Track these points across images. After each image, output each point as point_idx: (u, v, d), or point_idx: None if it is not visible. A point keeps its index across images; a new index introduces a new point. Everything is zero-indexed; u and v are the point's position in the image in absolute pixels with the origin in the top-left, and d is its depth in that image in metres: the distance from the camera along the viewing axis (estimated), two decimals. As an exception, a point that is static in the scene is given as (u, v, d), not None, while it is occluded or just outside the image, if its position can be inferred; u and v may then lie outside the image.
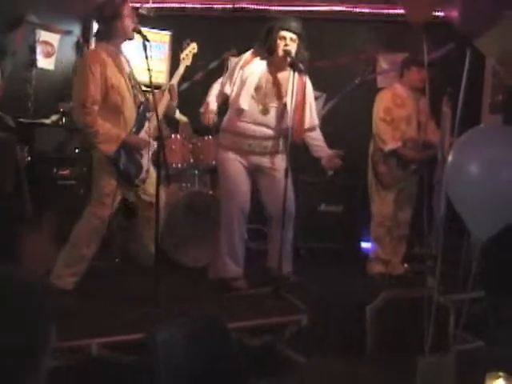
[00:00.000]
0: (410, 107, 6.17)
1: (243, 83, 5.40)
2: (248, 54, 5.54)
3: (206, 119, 5.50)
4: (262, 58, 5.47)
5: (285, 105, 5.41)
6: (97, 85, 4.66)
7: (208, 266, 5.74)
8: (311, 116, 5.64)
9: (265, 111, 5.44)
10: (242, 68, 5.46)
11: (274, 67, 5.48)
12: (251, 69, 5.44)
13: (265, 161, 5.51)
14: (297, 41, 5.36)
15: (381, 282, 6.02)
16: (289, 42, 5.34)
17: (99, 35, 4.88)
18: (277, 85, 5.46)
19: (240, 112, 5.41)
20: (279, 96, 5.45)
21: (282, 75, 5.46)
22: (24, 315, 1.44)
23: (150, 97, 4.87)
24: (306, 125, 5.57)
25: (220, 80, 5.65)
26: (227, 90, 5.50)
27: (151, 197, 4.90)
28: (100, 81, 4.67)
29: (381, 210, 6.25)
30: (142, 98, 5.00)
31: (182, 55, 5.51)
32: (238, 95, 5.40)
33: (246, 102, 5.37)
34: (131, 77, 4.96)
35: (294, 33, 5.35)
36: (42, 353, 1.47)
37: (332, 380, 4.31)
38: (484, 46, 3.70)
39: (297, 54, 5.35)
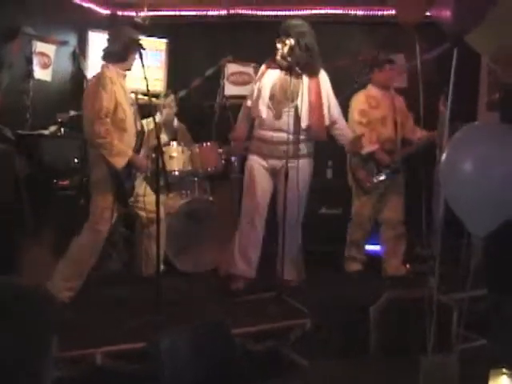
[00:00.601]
0: (384, 107, 6.24)
1: (259, 93, 5.58)
2: (263, 67, 5.76)
3: (233, 147, 6.02)
4: (274, 68, 5.62)
5: (296, 108, 5.47)
6: (109, 98, 4.83)
7: (217, 267, 5.86)
8: (330, 112, 5.71)
9: (278, 117, 5.54)
10: (258, 80, 5.68)
11: (285, 74, 5.56)
12: (265, 79, 5.62)
13: (282, 164, 5.50)
14: (288, 42, 5.45)
15: (387, 282, 6.05)
16: (280, 46, 5.47)
17: (110, 57, 5.05)
18: (289, 90, 5.50)
19: (260, 120, 5.62)
20: (292, 101, 5.48)
21: (294, 80, 5.48)
22: (25, 324, 1.44)
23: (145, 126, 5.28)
24: (327, 121, 5.66)
25: (245, 102, 5.87)
26: (248, 103, 5.73)
27: (151, 213, 5.01)
28: (110, 96, 4.84)
29: (359, 214, 6.35)
30: (139, 127, 5.21)
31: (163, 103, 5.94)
32: (256, 105, 5.59)
33: (263, 111, 5.55)
34: (132, 103, 5.14)
35: (283, 35, 5.45)
36: (45, 361, 1.47)
37: (336, 382, 4.32)
38: (475, 42, 3.72)
39: (289, 55, 5.42)
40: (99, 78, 4.95)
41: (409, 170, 6.27)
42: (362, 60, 7.71)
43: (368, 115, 6.18)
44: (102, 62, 5.11)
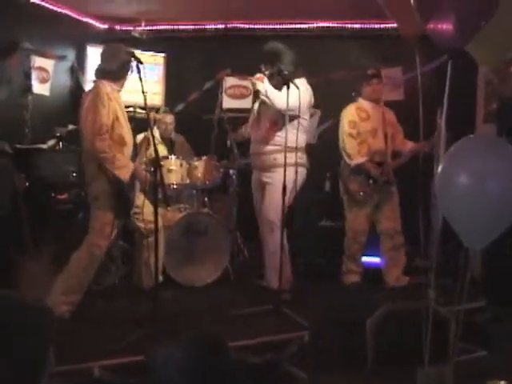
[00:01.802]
0: (374, 120, 6.28)
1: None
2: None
3: (241, 132, 6.19)
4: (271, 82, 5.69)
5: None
6: (107, 115, 4.88)
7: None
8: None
9: (258, 131, 5.78)
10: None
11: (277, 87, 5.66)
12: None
13: (262, 175, 5.79)
14: (266, 69, 5.62)
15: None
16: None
17: (105, 75, 5.07)
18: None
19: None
20: (273, 114, 5.56)
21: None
22: (23, 337, 1.44)
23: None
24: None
25: None
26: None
27: (150, 224, 5.05)
28: (109, 112, 4.89)
29: (353, 226, 6.35)
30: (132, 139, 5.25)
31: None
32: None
33: (252, 128, 5.85)
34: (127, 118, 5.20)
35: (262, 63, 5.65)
36: (42, 374, 1.48)
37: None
38: (476, 53, 3.74)
39: (279, 72, 5.51)
40: (97, 94, 4.96)
41: (402, 181, 6.29)
42: (358, 74, 7.77)
43: (358, 127, 6.24)
44: (97, 79, 5.12)
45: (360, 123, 6.26)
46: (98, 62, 5.21)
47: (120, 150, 4.98)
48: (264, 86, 5.52)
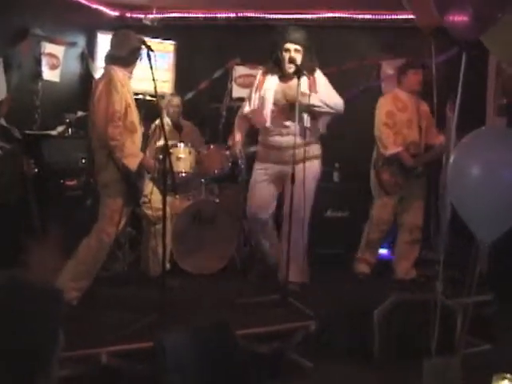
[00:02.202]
0: (411, 111, 6.21)
1: (262, 102, 5.64)
2: (259, 75, 5.79)
3: (234, 152, 5.95)
4: (273, 74, 5.68)
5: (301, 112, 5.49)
6: (121, 102, 4.88)
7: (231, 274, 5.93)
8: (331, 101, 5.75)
9: (283, 125, 5.63)
10: (257, 89, 5.71)
11: (285, 79, 5.64)
12: (266, 87, 5.66)
13: (291, 168, 5.42)
14: (302, 51, 5.49)
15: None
16: (293, 53, 5.51)
17: (116, 61, 5.06)
18: (289, 95, 5.54)
19: (268, 128, 5.69)
20: (290, 108, 5.52)
21: (293, 84, 5.51)
22: (33, 318, 1.45)
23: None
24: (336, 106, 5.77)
25: (242, 111, 5.90)
26: (247, 111, 5.80)
27: (158, 211, 5.06)
28: (121, 99, 4.89)
29: (379, 216, 6.31)
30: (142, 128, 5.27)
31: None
32: (260, 114, 5.66)
33: (268, 120, 5.62)
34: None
35: (298, 44, 5.48)
36: (51, 355, 1.48)
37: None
38: (492, 44, 3.73)
39: (302, 63, 5.46)
40: (110, 80, 4.95)
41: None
42: (369, 64, 7.75)
43: (394, 117, 6.17)
44: (107, 65, 5.12)
45: (397, 113, 6.19)
46: (108, 48, 5.20)
47: (131, 136, 4.97)
48: (318, 97, 5.54)
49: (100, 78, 5.19)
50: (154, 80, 4.66)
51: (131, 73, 5.14)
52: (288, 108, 5.56)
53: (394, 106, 6.21)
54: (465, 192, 3.41)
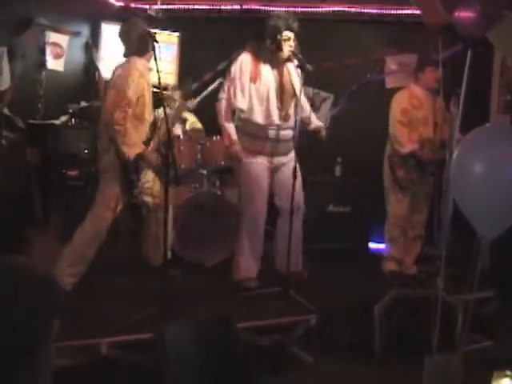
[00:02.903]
0: (426, 108, 6.15)
1: (264, 99, 5.43)
2: (249, 62, 5.47)
3: (234, 154, 5.53)
4: (266, 62, 5.47)
5: (297, 100, 5.42)
6: (134, 90, 4.91)
7: (231, 268, 5.69)
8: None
9: (286, 116, 5.51)
10: (253, 81, 5.43)
11: (278, 67, 5.51)
12: (265, 81, 5.45)
13: (285, 158, 5.55)
14: (295, 39, 5.41)
15: (393, 279, 6.04)
16: (292, 42, 5.38)
17: (132, 50, 5.08)
18: (287, 86, 5.50)
19: (269, 122, 5.47)
20: (291, 95, 5.49)
21: (285, 74, 5.50)
22: (29, 302, 1.44)
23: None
24: (306, 113, 5.66)
25: (223, 97, 5.56)
26: (242, 105, 5.44)
27: (159, 198, 5.07)
28: (137, 88, 4.92)
29: (396, 211, 6.25)
30: (152, 118, 5.24)
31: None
32: (267, 111, 5.43)
33: (276, 115, 5.45)
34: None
35: (296, 33, 5.39)
36: (47, 342, 1.48)
37: (339, 379, 4.33)
38: (498, 41, 3.72)
39: (295, 50, 5.38)
40: (129, 69, 4.99)
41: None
42: (373, 59, 7.73)
43: (409, 115, 6.09)
44: (127, 57, 5.13)
45: (412, 111, 6.12)
46: (120, 43, 5.20)
47: (136, 126, 4.99)
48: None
49: (119, 66, 5.18)
50: (157, 71, 4.66)
51: (150, 60, 5.08)
52: (289, 99, 5.51)
53: (410, 103, 6.14)
54: (467, 189, 3.41)
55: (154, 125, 5.24)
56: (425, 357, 3.54)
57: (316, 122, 5.76)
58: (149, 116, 5.16)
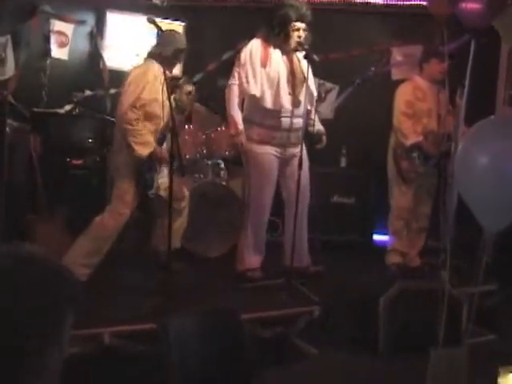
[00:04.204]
0: (430, 100, 6.11)
1: (275, 83, 5.35)
2: (259, 47, 5.40)
3: (239, 144, 5.44)
4: (275, 47, 5.40)
5: (308, 88, 5.38)
6: (148, 92, 4.97)
7: (235, 259, 5.66)
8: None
9: (297, 102, 5.41)
10: (263, 66, 5.35)
11: (288, 55, 5.46)
12: (275, 66, 5.37)
13: (295, 150, 5.44)
14: (306, 29, 5.35)
15: (397, 272, 6.03)
16: (302, 32, 5.31)
17: (159, 58, 5.09)
18: (297, 72, 5.46)
19: (279, 109, 5.38)
20: (302, 82, 5.43)
21: (295, 60, 5.46)
22: (37, 295, 1.42)
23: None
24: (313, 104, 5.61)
25: (234, 83, 5.45)
26: (255, 91, 5.33)
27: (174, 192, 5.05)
28: (151, 90, 4.97)
29: (400, 204, 6.23)
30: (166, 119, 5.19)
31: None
32: (277, 96, 5.35)
33: (286, 101, 5.37)
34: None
35: (308, 24, 5.33)
36: (59, 333, 1.47)
37: (343, 370, 4.32)
38: (502, 30, 3.70)
39: (306, 40, 5.33)
40: (145, 71, 5.06)
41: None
42: (379, 50, 7.69)
43: (414, 107, 6.05)
44: (147, 58, 5.20)
45: (416, 103, 6.08)
46: (154, 43, 5.28)
47: (149, 126, 5.05)
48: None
49: (136, 67, 5.27)
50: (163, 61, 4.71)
51: (171, 72, 5.21)
52: (299, 85, 5.43)
53: (414, 95, 6.09)
54: (472, 181, 3.39)
55: (168, 126, 5.23)
56: (430, 350, 3.52)
57: (319, 125, 5.66)
58: (163, 116, 5.10)
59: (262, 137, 5.46)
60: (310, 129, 5.55)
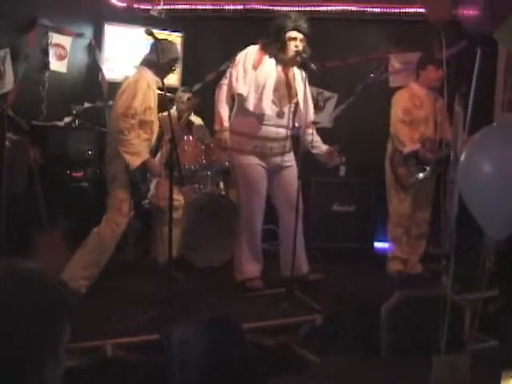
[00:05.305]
0: (427, 107, 6.12)
1: (260, 87, 5.37)
2: (255, 51, 5.47)
3: (223, 140, 5.45)
4: (271, 56, 5.44)
5: (297, 104, 5.44)
6: (141, 101, 4.97)
7: (233, 269, 5.66)
8: (311, 111, 5.70)
9: (281, 113, 5.46)
10: (254, 68, 5.40)
11: (284, 66, 5.48)
12: (266, 71, 5.39)
13: (281, 159, 5.55)
14: (304, 40, 5.37)
15: (398, 279, 6.03)
16: (298, 42, 5.35)
17: (151, 66, 5.14)
18: (289, 85, 5.47)
19: (261, 116, 5.40)
20: (292, 96, 5.46)
21: (291, 74, 5.49)
22: (34, 309, 1.43)
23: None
24: (308, 120, 5.62)
25: (224, 83, 5.53)
26: (243, 90, 5.39)
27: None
28: (144, 99, 4.99)
29: (398, 211, 6.23)
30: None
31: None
32: (260, 99, 5.36)
33: (268, 107, 5.37)
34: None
35: (303, 33, 5.35)
36: (56, 346, 1.47)
37: (345, 379, 4.31)
38: (502, 38, 3.71)
39: (305, 52, 5.35)
40: (138, 79, 5.05)
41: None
42: (377, 58, 7.71)
43: (411, 114, 6.08)
44: (141, 66, 5.20)
45: (413, 110, 6.11)
46: (148, 52, 5.25)
47: (141, 136, 5.07)
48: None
49: (129, 77, 5.25)
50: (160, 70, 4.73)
51: (162, 80, 5.06)
52: (286, 97, 5.48)
53: (411, 102, 6.12)
54: (476, 188, 3.39)
55: (161, 136, 5.27)
56: (432, 357, 3.52)
57: (322, 146, 5.69)
58: (155, 126, 5.21)
59: (242, 146, 5.49)
60: (316, 152, 5.63)
